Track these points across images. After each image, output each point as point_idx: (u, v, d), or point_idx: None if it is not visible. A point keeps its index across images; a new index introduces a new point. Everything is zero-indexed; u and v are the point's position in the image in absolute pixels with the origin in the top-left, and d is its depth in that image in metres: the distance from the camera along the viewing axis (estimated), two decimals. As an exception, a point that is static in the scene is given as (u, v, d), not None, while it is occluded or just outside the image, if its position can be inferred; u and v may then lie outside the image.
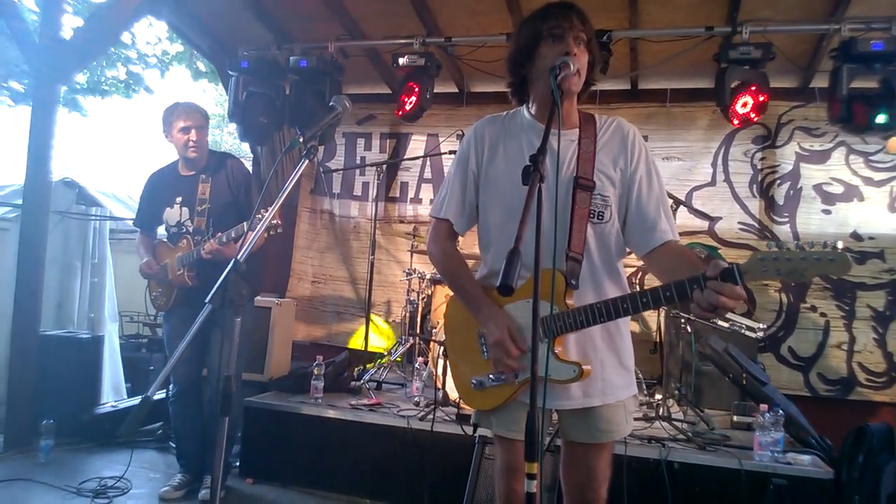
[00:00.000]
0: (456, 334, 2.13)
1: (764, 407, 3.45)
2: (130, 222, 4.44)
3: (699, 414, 4.02)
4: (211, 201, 3.62)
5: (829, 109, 4.27)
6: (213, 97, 15.52)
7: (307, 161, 1.98)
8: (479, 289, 2.03)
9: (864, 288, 4.95)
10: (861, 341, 4.95)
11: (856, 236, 4.98)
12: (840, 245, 1.57)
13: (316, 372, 4.15)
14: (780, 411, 3.43)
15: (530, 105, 2.07)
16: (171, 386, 3.82)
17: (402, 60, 4.74)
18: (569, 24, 1.91)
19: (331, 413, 3.97)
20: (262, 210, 3.20)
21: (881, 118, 3.95)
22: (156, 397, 4.54)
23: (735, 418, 3.98)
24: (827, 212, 5.03)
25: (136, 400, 5.15)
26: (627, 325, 2.08)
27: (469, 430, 2.19)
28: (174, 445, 3.97)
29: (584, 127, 2.02)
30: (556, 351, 1.88)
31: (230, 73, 5.23)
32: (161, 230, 3.84)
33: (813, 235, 5.05)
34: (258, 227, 2.04)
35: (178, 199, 3.68)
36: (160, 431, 4.60)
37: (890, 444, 3.60)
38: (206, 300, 1.88)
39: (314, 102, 4.85)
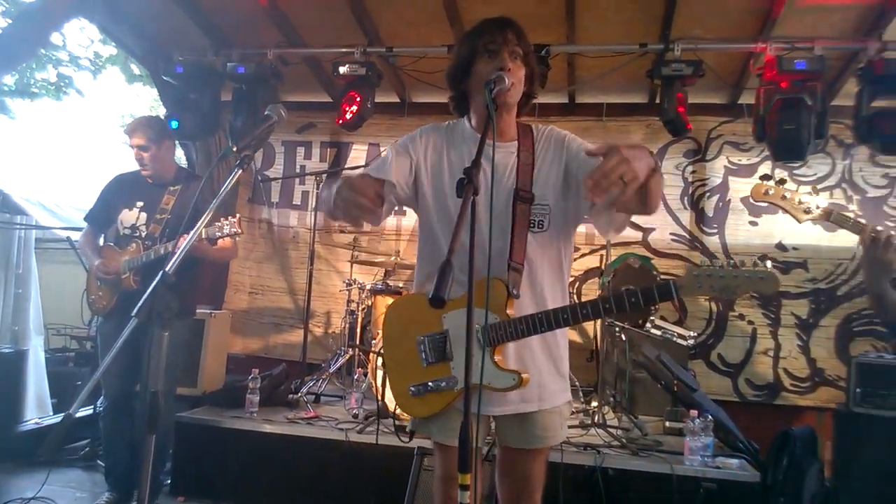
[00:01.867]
0: (394, 342, 2.13)
1: (694, 413, 3.55)
2: (59, 231, 4.26)
3: (633, 420, 4.12)
4: (172, 213, 3.54)
5: (754, 125, 4.45)
6: (148, 101, 15.08)
7: (241, 170, 1.94)
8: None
9: (789, 297, 5.17)
10: (786, 348, 5.16)
11: (780, 247, 5.20)
12: (769, 264, 1.70)
13: (251, 385, 4.07)
14: (710, 417, 3.54)
15: (471, 117, 2.10)
16: (101, 400, 3.67)
17: (342, 69, 4.72)
18: (503, 40, 1.95)
19: (266, 427, 3.89)
20: (220, 218, 3.19)
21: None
22: (84, 413, 4.39)
23: (667, 424, 4.09)
24: (754, 223, 5.24)
25: (61, 416, 4.92)
26: (565, 332, 2.11)
27: (406, 437, 2.17)
28: (102, 463, 3.82)
29: (522, 139, 2.07)
30: (496, 359, 1.91)
31: (165, 78, 5.10)
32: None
33: (741, 246, 5.26)
34: (187, 239, 1.97)
35: (140, 204, 3.60)
36: (87, 449, 4.41)
37: (813, 447, 3.76)
38: (133, 313, 1.83)
39: (252, 110, 4.77)
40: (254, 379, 4.12)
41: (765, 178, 2.31)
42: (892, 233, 2.14)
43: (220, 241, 3.31)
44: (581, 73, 5.22)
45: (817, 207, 2.24)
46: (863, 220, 2.24)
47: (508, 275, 1.94)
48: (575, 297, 5.52)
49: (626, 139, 5.52)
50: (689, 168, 5.43)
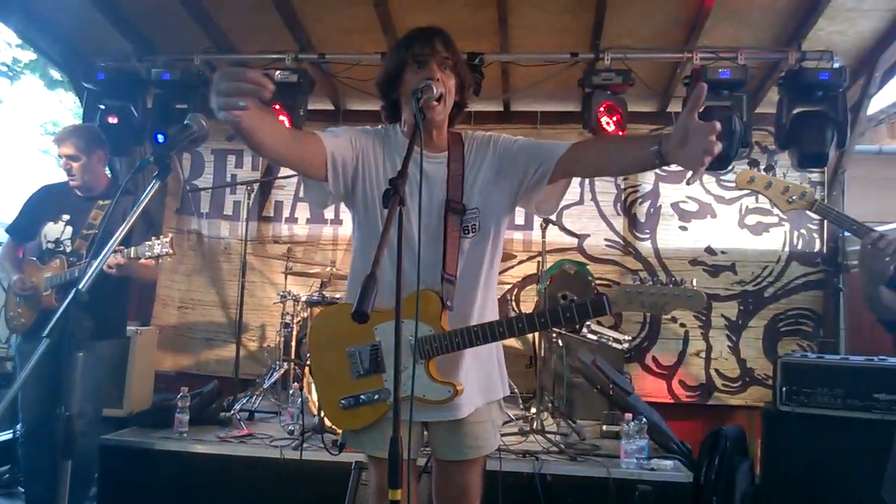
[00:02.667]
0: (322, 353, 2.08)
1: (629, 416, 3.60)
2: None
3: (571, 425, 4.15)
4: (100, 229, 3.35)
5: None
6: (70, 108, 14.46)
7: (158, 183, 1.85)
8: None
9: (719, 299, 5.34)
10: (717, 349, 5.32)
11: (710, 251, 5.37)
12: (695, 283, 1.79)
13: (180, 404, 3.91)
14: (644, 419, 3.60)
15: (402, 126, 2.08)
16: (19, 425, 3.46)
17: (273, 76, 4.61)
18: (431, 50, 1.95)
19: (197, 448, 3.74)
20: (151, 237, 3.04)
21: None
22: (3, 438, 4.14)
23: (604, 428, 4.15)
24: (684, 228, 5.39)
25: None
26: (499, 342, 2.10)
27: (335, 451, 2.13)
28: (23, 490, 3.60)
29: (453, 149, 2.06)
30: (430, 371, 1.91)
31: (85, 84, 4.89)
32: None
33: (671, 251, 5.40)
34: (101, 257, 1.87)
35: (66, 217, 3.41)
36: (7, 476, 4.17)
37: (743, 446, 3.88)
38: (44, 333, 1.73)
39: (177, 117, 4.61)
40: (183, 397, 3.97)
41: (752, 164, 2.33)
42: (893, 239, 2.15)
43: (143, 260, 3.16)
44: (515, 82, 5.27)
45: (802, 197, 2.26)
46: (853, 219, 2.26)
47: (442, 286, 1.93)
48: (513, 303, 5.55)
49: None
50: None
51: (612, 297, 1.85)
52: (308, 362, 4.08)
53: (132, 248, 3.10)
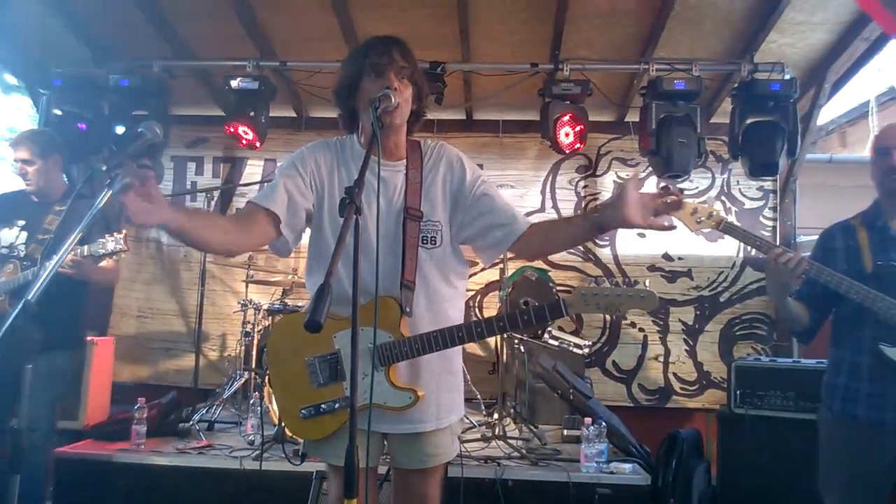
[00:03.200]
0: (281, 363, 2.06)
1: (588, 420, 3.66)
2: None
3: (533, 430, 4.19)
4: (55, 234, 3.27)
5: (640, 142, 4.67)
6: (28, 114, 14.08)
7: (110, 192, 1.82)
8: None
9: (676, 304, 5.45)
10: (675, 353, 5.43)
11: (667, 257, 5.48)
12: (648, 284, 1.85)
13: (137, 415, 3.84)
14: (603, 423, 3.66)
15: (360, 135, 2.09)
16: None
17: (234, 83, 4.58)
18: (388, 59, 1.96)
19: (155, 460, 3.69)
20: (105, 235, 2.98)
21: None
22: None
23: (565, 432, 4.20)
24: (642, 235, 5.49)
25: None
26: (459, 348, 2.11)
27: (297, 461, 2.11)
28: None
29: (411, 157, 2.08)
30: (391, 378, 1.91)
31: (41, 91, 4.78)
32: None
33: (630, 257, 5.51)
34: (54, 262, 1.83)
35: (21, 222, 3.33)
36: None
37: (699, 448, 3.97)
38: (-9, 346, 1.69)
39: (136, 124, 4.54)
40: (140, 408, 3.90)
41: (663, 189, 2.42)
42: (793, 255, 2.25)
43: (102, 262, 3.10)
44: (477, 91, 5.32)
45: (709, 217, 2.35)
46: (760, 237, 2.38)
47: (401, 293, 1.94)
48: (476, 310, 5.59)
49: (521, 155, 5.66)
50: (581, 183, 5.64)
51: (568, 299, 1.88)
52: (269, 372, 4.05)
53: (85, 247, 3.04)
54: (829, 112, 7.51)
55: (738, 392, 3.70)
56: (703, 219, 2.34)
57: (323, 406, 1.95)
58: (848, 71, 4.85)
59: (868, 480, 2.32)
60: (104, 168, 1.85)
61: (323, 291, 1.32)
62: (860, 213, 2.52)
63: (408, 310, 1.94)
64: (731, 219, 5.48)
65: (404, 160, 2.06)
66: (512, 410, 4.51)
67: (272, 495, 3.45)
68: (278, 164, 5.61)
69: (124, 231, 3.01)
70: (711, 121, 5.33)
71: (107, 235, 3.02)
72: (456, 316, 2.09)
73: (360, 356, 1.85)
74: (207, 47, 4.95)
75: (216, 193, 5.29)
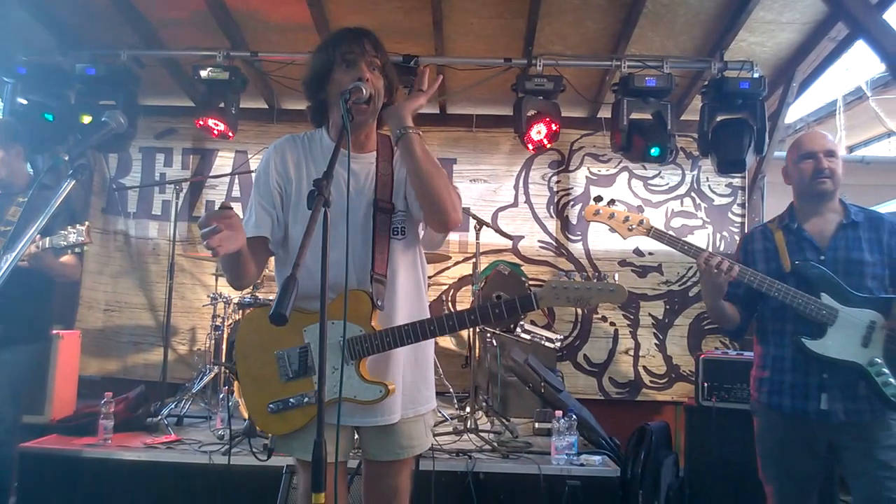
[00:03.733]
0: (250, 357, 2.04)
1: (559, 413, 3.68)
2: None
3: (505, 423, 4.21)
4: (17, 225, 3.18)
5: (611, 138, 4.71)
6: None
7: (73, 182, 1.79)
8: None
9: (646, 299, 5.52)
10: (645, 347, 5.50)
11: (638, 252, 5.55)
12: (617, 278, 1.89)
13: (104, 410, 3.78)
14: (574, 416, 3.69)
15: (329, 128, 2.07)
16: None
17: (203, 73, 4.51)
18: (360, 50, 1.95)
19: (122, 455, 3.63)
20: (67, 226, 2.90)
21: (654, 151, 4.41)
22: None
23: (537, 425, 4.22)
24: (613, 230, 5.52)
25: None
26: (430, 340, 2.10)
27: (264, 456, 2.09)
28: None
29: (382, 150, 2.06)
30: (361, 371, 1.89)
31: (6, 79, 4.66)
32: None
33: (602, 252, 5.56)
34: (14, 253, 1.79)
35: None
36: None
37: (667, 440, 4.03)
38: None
39: (102, 114, 4.44)
40: (107, 402, 3.83)
41: (597, 199, 2.53)
42: (723, 259, 2.37)
43: (64, 256, 3.03)
44: (451, 85, 5.31)
45: (640, 224, 2.49)
46: (687, 241, 2.48)
47: (372, 286, 1.93)
48: (449, 304, 5.60)
49: (495, 150, 5.68)
50: (554, 178, 5.67)
51: (539, 293, 1.89)
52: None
53: (46, 239, 2.97)
54: (797, 110, 7.67)
55: (705, 385, 3.76)
56: (634, 226, 2.50)
57: (291, 400, 1.93)
58: (815, 70, 4.94)
59: (799, 468, 2.45)
60: (66, 158, 1.81)
61: (289, 284, 1.30)
62: (776, 216, 2.64)
63: (379, 303, 1.93)
64: (702, 214, 5.57)
65: (374, 152, 2.05)
66: (484, 404, 4.53)
67: (242, 490, 3.42)
68: (249, 156, 5.56)
69: (87, 223, 2.94)
70: (682, 118, 5.40)
71: (69, 227, 2.95)
72: (425, 308, 2.09)
73: (331, 350, 1.85)
74: (177, 36, 4.87)
75: (185, 185, 5.21)
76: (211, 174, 5.52)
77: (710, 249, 2.43)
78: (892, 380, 2.29)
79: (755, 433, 2.61)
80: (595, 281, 1.89)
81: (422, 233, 2.11)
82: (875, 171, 7.34)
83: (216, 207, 1.74)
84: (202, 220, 1.68)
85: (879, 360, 2.30)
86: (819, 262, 2.41)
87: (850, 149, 9.18)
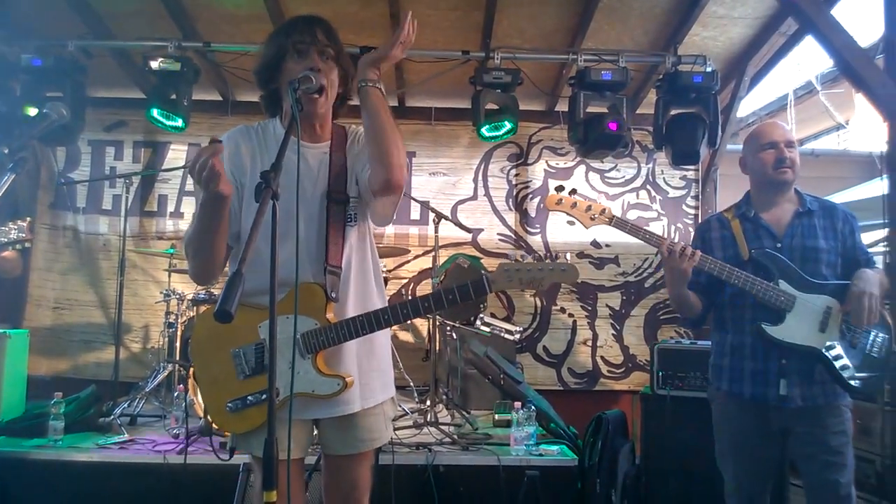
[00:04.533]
0: (206, 356, 2.00)
1: (518, 404, 3.71)
2: None
3: (465, 416, 4.22)
4: None
5: (569, 131, 4.74)
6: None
7: (13, 175, 1.72)
8: None
9: (604, 290, 5.60)
10: (602, 337, 5.58)
11: (595, 244, 5.62)
12: (569, 257, 1.88)
13: (54, 410, 3.67)
14: (533, 407, 3.72)
15: (283, 118, 2.03)
16: None
17: (154, 64, 4.40)
18: (312, 39, 1.91)
19: (73, 456, 3.54)
20: (8, 222, 2.79)
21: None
22: None
23: (496, 417, 4.25)
24: (571, 223, 5.51)
25: None
26: (386, 330, 2.08)
27: (226, 455, 2.05)
28: None
29: (336, 140, 2.03)
30: (318, 365, 1.87)
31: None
32: None
33: (560, 244, 5.61)
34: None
35: None
36: None
37: (624, 429, 4.08)
38: None
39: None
40: (57, 403, 3.73)
41: (558, 188, 2.53)
42: (685, 245, 2.39)
43: (4, 252, 2.92)
44: (409, 77, 5.29)
45: (602, 214, 2.48)
46: (647, 229, 2.50)
47: (326, 278, 1.90)
48: (409, 297, 5.56)
49: (454, 143, 5.67)
50: (513, 171, 5.70)
51: (492, 276, 1.88)
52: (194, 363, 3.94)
53: None
54: (749, 104, 7.83)
55: (660, 374, 3.82)
56: (596, 216, 2.49)
57: (249, 398, 1.90)
58: (766, 64, 5.06)
59: (756, 454, 2.49)
60: (6, 151, 1.74)
61: (234, 280, 1.27)
62: (732, 205, 2.68)
63: (333, 295, 1.90)
64: (657, 207, 5.67)
65: (329, 142, 2.02)
66: (444, 397, 4.53)
67: (198, 489, 3.36)
68: (203, 149, 5.43)
69: (28, 219, 2.84)
70: (638, 111, 5.47)
71: (10, 224, 2.85)
72: (381, 297, 2.07)
73: (286, 345, 1.82)
74: (126, 26, 4.73)
75: (136, 180, 5.08)
76: (163, 168, 5.38)
77: (699, 252, 2.43)
78: (849, 363, 2.35)
79: (713, 420, 2.64)
80: (547, 262, 1.88)
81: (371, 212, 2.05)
82: (824, 163, 7.57)
83: (205, 147, 1.66)
84: (194, 156, 1.65)
85: (836, 345, 2.36)
86: (776, 250, 2.45)
87: (801, 142, 9.42)
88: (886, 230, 3.02)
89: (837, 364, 2.35)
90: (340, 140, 2.04)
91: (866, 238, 2.66)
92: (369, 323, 1.87)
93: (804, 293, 2.39)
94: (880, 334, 2.41)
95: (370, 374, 2.02)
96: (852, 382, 2.35)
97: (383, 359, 2.10)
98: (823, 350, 2.36)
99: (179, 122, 4.59)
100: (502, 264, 1.89)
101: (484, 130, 4.63)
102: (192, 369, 3.93)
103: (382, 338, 2.10)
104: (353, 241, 1.99)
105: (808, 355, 2.38)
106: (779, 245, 2.47)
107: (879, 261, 2.83)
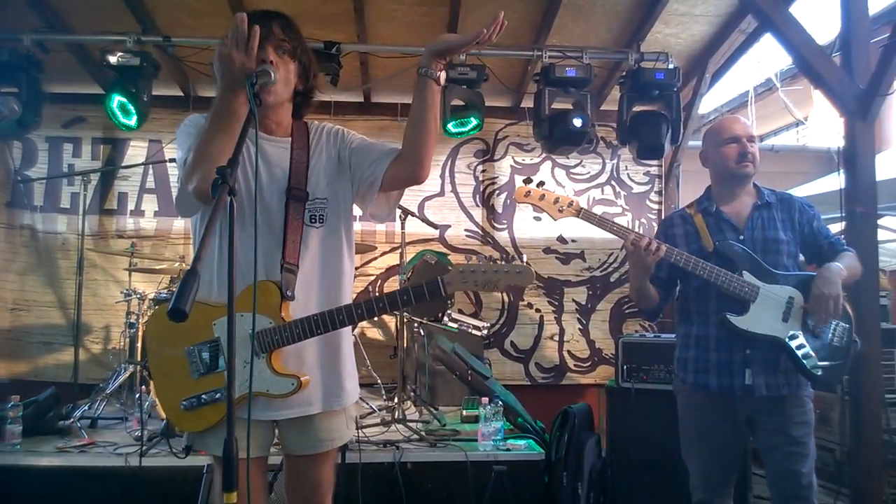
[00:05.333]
0: (160, 354, 1.96)
1: (485, 400, 3.72)
2: None
3: (433, 412, 4.22)
4: None
5: (534, 127, 4.76)
6: None
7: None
8: None
9: (570, 285, 5.64)
10: (569, 332, 5.63)
11: (561, 240, 5.66)
12: (525, 259, 1.92)
13: (11, 414, 3.57)
14: (500, 402, 3.74)
15: None
16: None
17: (112, 58, 4.30)
18: (267, 32, 1.86)
19: (32, 460, 3.45)
20: None
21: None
22: None
23: (464, 413, 4.25)
24: (538, 219, 5.63)
25: None
26: (347, 330, 2.06)
27: (182, 454, 2.02)
28: None
29: (297, 136, 2.01)
30: (273, 364, 1.84)
31: None
32: None
33: (527, 240, 5.64)
34: None
35: None
36: None
37: (590, 422, 4.12)
38: None
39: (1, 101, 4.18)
40: (14, 406, 3.63)
41: (527, 181, 2.53)
42: (651, 239, 2.42)
43: None
44: (375, 73, 5.26)
45: (570, 206, 2.50)
46: (613, 222, 2.51)
47: (282, 276, 1.87)
48: (376, 294, 5.53)
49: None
50: (480, 167, 5.71)
51: (446, 278, 1.87)
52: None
53: None
54: (710, 101, 7.96)
55: (624, 367, 3.86)
56: (564, 207, 2.50)
57: (204, 396, 1.87)
58: (727, 61, 5.15)
59: (721, 445, 2.53)
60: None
61: (188, 278, 1.25)
62: (694, 201, 2.73)
63: (289, 293, 1.88)
64: (621, 202, 5.73)
65: (290, 138, 1.99)
66: (412, 394, 4.53)
67: (160, 491, 3.31)
68: (163, 144, 5.33)
69: None
70: (602, 108, 5.52)
71: None
72: (346, 297, 2.04)
73: (242, 343, 1.79)
74: (83, 20, 4.62)
75: (95, 177, 4.97)
76: (123, 165, 5.27)
77: (666, 245, 2.46)
78: (811, 353, 2.39)
79: (679, 412, 2.68)
80: (501, 263, 1.88)
81: (368, 207, 2.04)
82: (783, 158, 7.75)
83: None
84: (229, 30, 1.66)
85: (798, 334, 2.40)
86: (738, 242, 2.50)
87: (761, 138, 9.63)
88: (843, 223, 3.10)
89: (800, 353, 2.39)
90: (302, 136, 2.01)
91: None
92: (324, 322, 1.85)
93: (768, 284, 2.43)
94: (841, 324, 2.46)
95: (330, 375, 1.99)
96: (815, 371, 2.39)
97: (344, 360, 2.05)
98: (786, 339, 2.40)
99: (133, 121, 4.48)
100: (457, 266, 1.89)
101: (450, 126, 4.62)
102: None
103: (344, 338, 2.06)
104: (315, 239, 1.96)
105: (771, 345, 2.42)
106: (741, 237, 2.52)
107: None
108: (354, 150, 2.02)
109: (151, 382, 3.84)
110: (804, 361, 2.39)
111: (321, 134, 2.06)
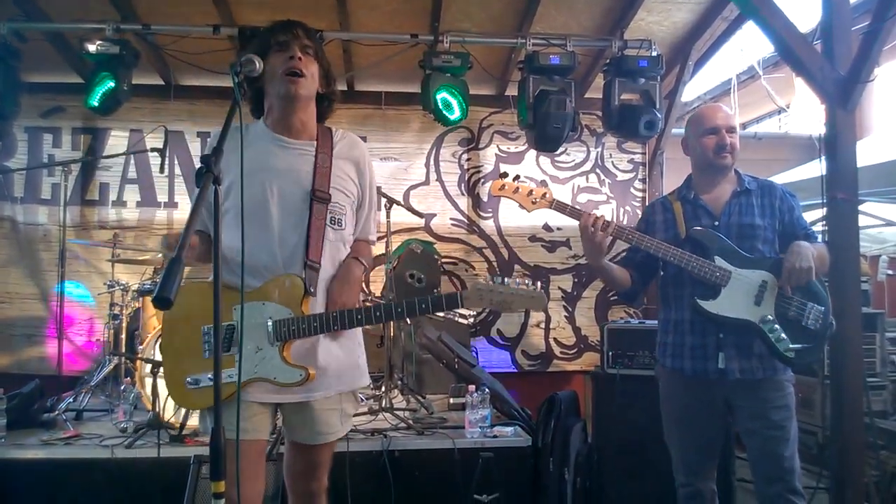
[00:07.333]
0: (175, 329, 2.07)
1: (472, 387, 3.74)
2: None
3: (420, 401, 4.24)
4: None
5: (518, 115, 4.76)
6: None
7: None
8: None
9: (556, 272, 5.67)
10: (555, 319, 5.67)
11: (547, 228, 5.68)
12: (539, 286, 1.99)
13: (-5, 407, 3.55)
14: (487, 389, 3.76)
15: (266, 117, 2.13)
16: None
17: (91, 47, 4.23)
18: (292, 35, 2.04)
19: (16, 454, 3.44)
20: None
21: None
22: None
23: (451, 401, 4.28)
24: (518, 204, 5.62)
25: None
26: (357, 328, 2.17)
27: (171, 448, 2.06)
28: None
29: (322, 141, 2.13)
30: (285, 354, 1.95)
31: None
32: None
33: (513, 228, 5.66)
34: None
35: None
36: None
37: (576, 409, 4.16)
38: None
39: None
40: (-1, 399, 3.60)
41: (502, 175, 2.59)
42: (602, 215, 2.47)
43: None
44: (358, 61, 5.22)
45: (543, 198, 2.55)
46: (578, 208, 2.55)
47: (305, 273, 1.99)
48: (363, 284, 5.54)
49: (404, 128, 5.64)
50: (465, 156, 5.71)
51: (465, 294, 1.98)
52: (139, 355, 3.85)
53: None
54: (693, 89, 8.01)
55: (609, 353, 3.90)
56: (537, 199, 2.55)
57: (210, 376, 1.93)
58: (710, 49, 5.16)
59: (700, 428, 2.57)
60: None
61: (173, 267, 1.26)
62: (676, 189, 2.77)
63: (311, 289, 1.99)
64: (606, 190, 5.75)
65: (314, 142, 2.11)
66: (399, 382, 4.54)
67: (147, 483, 3.30)
68: (145, 134, 5.26)
69: None
70: (586, 95, 5.53)
71: None
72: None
73: (256, 330, 1.92)
74: (61, 8, 4.54)
75: (76, 167, 4.91)
76: (104, 154, 5.21)
77: (615, 223, 2.49)
78: (783, 336, 2.41)
79: (660, 397, 2.73)
80: (518, 287, 1.96)
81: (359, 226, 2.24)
82: (766, 146, 7.80)
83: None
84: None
85: (771, 318, 2.42)
86: (714, 228, 2.53)
87: (744, 125, 9.69)
88: (824, 209, 3.13)
89: (772, 336, 2.41)
90: (326, 141, 2.14)
91: (807, 217, 2.74)
92: (341, 319, 1.98)
93: (740, 268, 2.45)
94: (816, 306, 2.46)
95: (338, 368, 2.10)
96: (788, 354, 2.41)
97: (351, 355, 2.17)
98: (758, 322, 2.43)
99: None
100: (475, 284, 1.99)
101: (440, 105, 4.55)
102: (138, 360, 3.84)
103: (355, 335, 2.19)
104: (333, 241, 2.09)
105: (743, 328, 2.45)
106: (716, 223, 2.55)
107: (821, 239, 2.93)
108: (358, 210, 2.22)
109: (137, 374, 3.82)
110: (777, 345, 2.41)
111: (347, 144, 2.19)
